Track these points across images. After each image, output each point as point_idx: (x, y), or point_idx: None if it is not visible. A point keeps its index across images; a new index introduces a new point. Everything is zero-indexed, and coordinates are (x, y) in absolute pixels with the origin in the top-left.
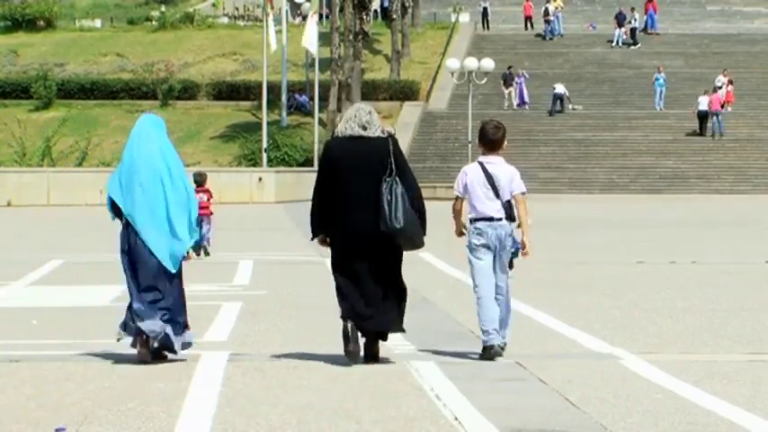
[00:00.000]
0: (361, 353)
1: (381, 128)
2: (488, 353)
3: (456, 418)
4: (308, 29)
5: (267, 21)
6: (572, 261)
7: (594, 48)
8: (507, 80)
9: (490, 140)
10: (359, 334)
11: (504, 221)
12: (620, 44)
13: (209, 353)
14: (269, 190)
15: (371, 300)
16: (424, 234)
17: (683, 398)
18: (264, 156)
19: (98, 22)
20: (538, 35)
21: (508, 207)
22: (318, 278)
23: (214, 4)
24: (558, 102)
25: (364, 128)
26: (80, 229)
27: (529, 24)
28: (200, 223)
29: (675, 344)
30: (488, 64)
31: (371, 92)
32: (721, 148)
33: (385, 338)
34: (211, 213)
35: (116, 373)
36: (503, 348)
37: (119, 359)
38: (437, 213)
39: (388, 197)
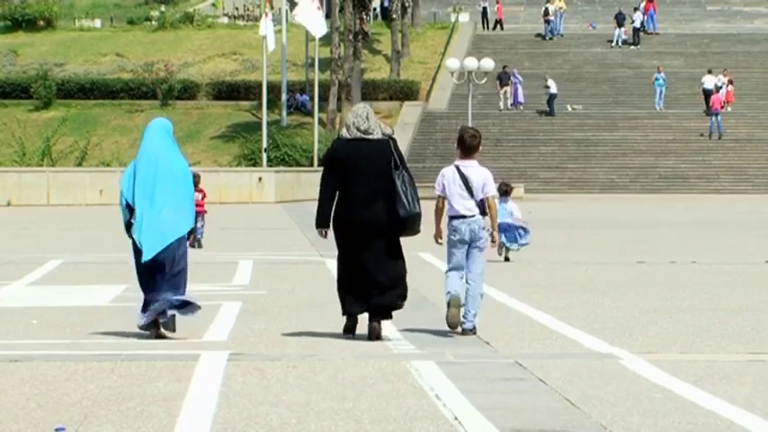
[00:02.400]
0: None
1: (382, 129)
2: (450, 314)
3: (456, 418)
4: (310, 15)
5: (266, 20)
6: (572, 261)
7: (594, 48)
8: (503, 80)
9: (468, 146)
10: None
11: (477, 216)
12: (620, 44)
13: (209, 353)
14: (269, 190)
15: (378, 280)
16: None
17: (683, 398)
18: (264, 156)
19: (98, 22)
20: (538, 35)
21: (481, 205)
22: (318, 278)
23: (214, 4)
24: (553, 101)
25: (365, 132)
26: (80, 229)
27: (499, 26)
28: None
29: (675, 344)
30: (488, 64)
31: (371, 92)
32: (721, 148)
33: (389, 316)
34: (205, 212)
35: (116, 373)
36: (473, 330)
37: (119, 359)
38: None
39: (403, 187)
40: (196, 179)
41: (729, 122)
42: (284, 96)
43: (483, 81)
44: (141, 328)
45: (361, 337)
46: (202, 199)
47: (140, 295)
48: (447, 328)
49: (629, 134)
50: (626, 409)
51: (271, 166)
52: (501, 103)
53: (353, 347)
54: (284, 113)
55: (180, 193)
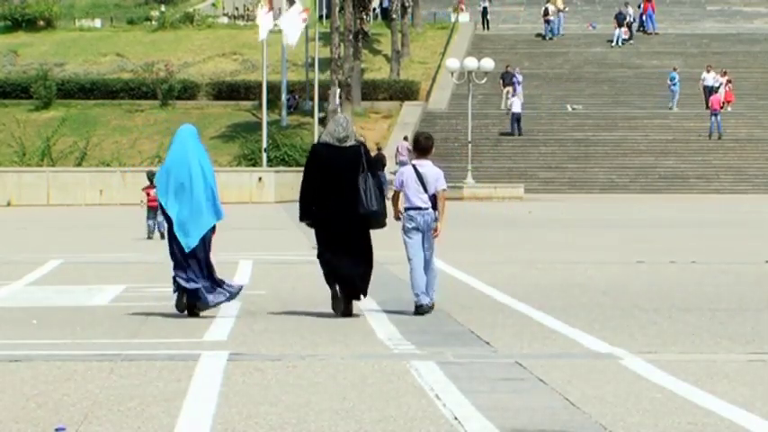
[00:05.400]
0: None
1: (355, 136)
2: (419, 310)
3: (456, 418)
4: (291, 24)
5: (262, 13)
6: (572, 261)
7: (594, 48)
8: (505, 79)
9: (422, 148)
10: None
11: (430, 210)
12: (620, 44)
13: (209, 352)
14: (269, 190)
15: (346, 264)
16: (386, 217)
17: (683, 398)
18: (264, 156)
19: (98, 22)
20: (538, 35)
21: (433, 199)
22: (318, 278)
23: (214, 4)
24: (516, 122)
25: (341, 140)
26: (80, 229)
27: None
28: (156, 214)
29: (675, 344)
30: (488, 64)
31: (371, 92)
32: (721, 148)
33: (357, 298)
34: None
35: (116, 373)
36: (431, 307)
37: (119, 359)
38: None
39: (364, 187)
40: (153, 177)
41: (729, 122)
42: (284, 96)
43: (483, 81)
44: (177, 308)
45: (356, 334)
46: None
47: (141, 294)
48: (448, 328)
49: (629, 134)
50: (626, 409)
51: (271, 166)
52: (503, 103)
53: (353, 347)
54: (284, 113)
55: (207, 190)
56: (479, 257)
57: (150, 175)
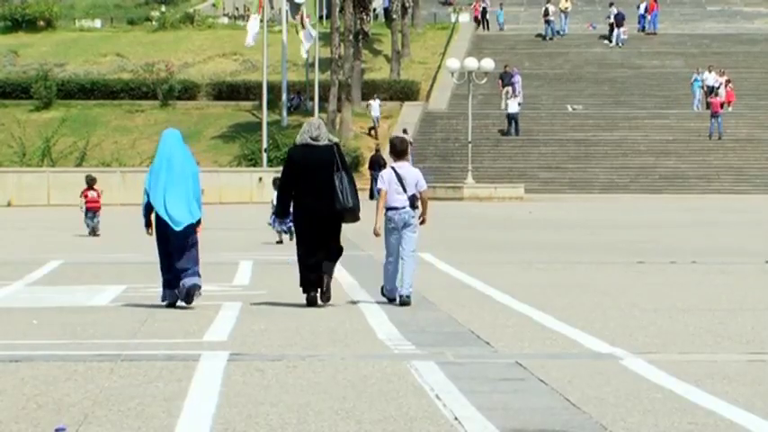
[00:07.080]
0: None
1: (328, 137)
2: (392, 302)
3: (456, 418)
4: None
5: (254, 18)
6: (572, 261)
7: (594, 48)
8: (504, 79)
9: (399, 151)
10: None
11: (408, 208)
12: (620, 44)
13: (209, 352)
14: (269, 190)
15: (319, 256)
16: (359, 211)
17: (683, 398)
18: (264, 156)
19: (98, 23)
20: (538, 35)
21: (412, 198)
22: None
23: (214, 4)
24: (513, 122)
25: (314, 138)
26: (80, 229)
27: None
28: (95, 214)
29: (675, 344)
30: (488, 64)
31: (371, 92)
32: (721, 148)
33: (327, 277)
34: (99, 207)
35: (116, 373)
36: (409, 297)
37: (119, 359)
38: (435, 214)
39: (340, 185)
40: (92, 181)
41: (729, 122)
42: (285, 96)
43: (483, 81)
44: (168, 305)
45: (356, 334)
46: (98, 197)
47: (141, 294)
48: (448, 328)
49: (629, 134)
50: (626, 409)
51: (271, 166)
52: (502, 103)
53: (353, 347)
54: (284, 113)
55: (191, 190)
56: (479, 257)
57: (89, 180)
